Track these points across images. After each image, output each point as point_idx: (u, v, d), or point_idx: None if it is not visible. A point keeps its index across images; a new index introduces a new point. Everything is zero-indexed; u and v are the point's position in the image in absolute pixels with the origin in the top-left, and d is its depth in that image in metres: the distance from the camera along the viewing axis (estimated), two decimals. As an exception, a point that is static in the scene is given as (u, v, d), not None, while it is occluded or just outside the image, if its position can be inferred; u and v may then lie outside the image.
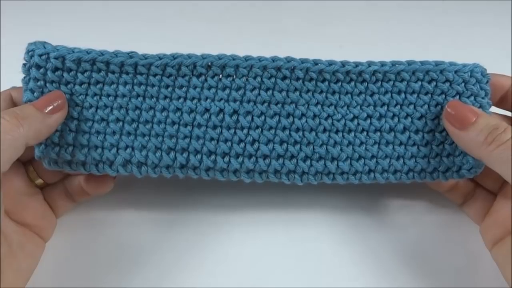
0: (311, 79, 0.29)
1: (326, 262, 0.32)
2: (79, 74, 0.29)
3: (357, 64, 0.29)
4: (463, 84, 0.29)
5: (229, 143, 0.29)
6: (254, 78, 0.29)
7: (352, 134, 0.30)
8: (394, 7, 0.52)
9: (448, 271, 0.32)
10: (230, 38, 0.47)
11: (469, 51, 0.45)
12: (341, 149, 0.29)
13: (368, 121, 0.30)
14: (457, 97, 0.29)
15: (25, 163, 0.31)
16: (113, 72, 0.29)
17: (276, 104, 0.29)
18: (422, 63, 0.29)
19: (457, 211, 0.34)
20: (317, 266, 0.32)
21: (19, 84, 0.30)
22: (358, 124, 0.30)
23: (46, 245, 0.31)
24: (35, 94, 0.29)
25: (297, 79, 0.29)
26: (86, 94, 0.29)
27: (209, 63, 0.29)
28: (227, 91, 0.29)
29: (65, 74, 0.29)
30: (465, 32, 0.49)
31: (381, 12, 0.52)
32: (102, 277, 0.31)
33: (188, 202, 0.35)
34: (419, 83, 0.30)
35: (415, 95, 0.30)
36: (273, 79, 0.29)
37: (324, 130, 0.29)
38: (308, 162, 0.29)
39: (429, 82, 0.30)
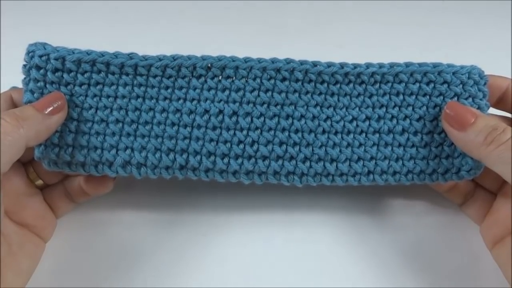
0: (310, 81, 0.29)
1: (326, 262, 0.32)
2: (79, 75, 0.29)
3: (355, 66, 0.29)
4: (461, 86, 0.29)
5: (228, 144, 0.29)
6: (254, 79, 0.29)
7: (351, 135, 0.30)
8: (394, 7, 0.52)
9: (448, 271, 0.32)
10: (230, 39, 0.47)
11: (469, 52, 0.45)
12: (340, 151, 0.29)
13: (367, 122, 0.30)
14: (455, 98, 0.29)
15: (25, 164, 0.31)
16: (113, 73, 0.29)
17: (276, 106, 0.29)
18: (420, 64, 0.30)
19: (457, 211, 0.34)
20: (317, 267, 0.32)
21: (19, 85, 0.30)
22: (357, 125, 0.30)
23: (46, 246, 0.31)
24: (35, 95, 0.29)
25: (296, 80, 0.29)
26: (86, 95, 0.29)
27: (209, 65, 0.29)
28: (226, 92, 0.29)
29: (65, 75, 0.29)
30: (465, 32, 0.49)
31: (381, 12, 0.52)
32: (102, 277, 0.31)
33: (188, 202, 0.35)
34: (417, 84, 0.30)
35: (414, 97, 0.30)
36: (272, 81, 0.29)
37: (323, 132, 0.30)
38: (307, 163, 0.29)
39: (427, 84, 0.30)
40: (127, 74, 0.29)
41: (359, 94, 0.30)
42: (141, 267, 0.32)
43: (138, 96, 0.29)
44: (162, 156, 0.29)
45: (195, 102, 0.29)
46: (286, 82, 0.29)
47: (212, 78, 0.29)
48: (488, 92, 0.30)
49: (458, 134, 0.28)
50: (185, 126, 0.29)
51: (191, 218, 0.34)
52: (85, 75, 0.29)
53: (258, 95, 0.29)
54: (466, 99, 0.29)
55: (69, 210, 0.33)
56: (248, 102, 0.29)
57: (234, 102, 0.29)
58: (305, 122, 0.29)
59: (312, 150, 0.29)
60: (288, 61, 0.29)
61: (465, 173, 0.30)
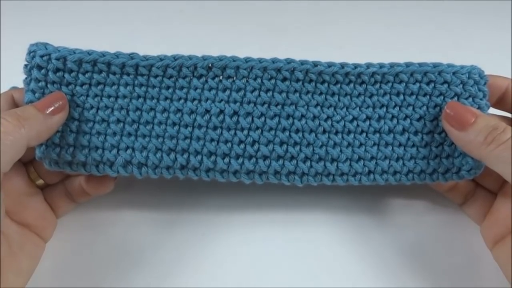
0: (310, 81, 0.29)
1: (326, 262, 0.32)
2: (80, 75, 0.29)
3: (356, 66, 0.29)
4: (461, 86, 0.29)
5: (229, 144, 0.29)
6: (254, 79, 0.29)
7: (352, 135, 0.30)
8: (394, 8, 0.52)
9: (449, 271, 0.32)
10: (230, 39, 0.47)
11: (469, 52, 0.45)
12: (340, 150, 0.30)
13: (367, 122, 0.30)
14: (456, 98, 0.30)
15: (26, 163, 0.31)
16: (114, 73, 0.29)
17: (276, 105, 0.29)
18: (420, 64, 0.30)
19: (458, 210, 0.34)
20: (318, 266, 0.32)
21: (20, 85, 0.30)
22: (358, 125, 0.30)
23: (46, 245, 0.31)
24: (36, 95, 0.29)
25: (297, 80, 0.29)
26: (87, 95, 0.29)
27: (210, 64, 0.29)
28: (227, 92, 0.29)
29: (66, 75, 0.29)
30: (465, 32, 0.50)
31: (381, 13, 0.52)
32: (102, 277, 0.31)
33: (189, 202, 0.35)
34: (418, 84, 0.30)
35: (414, 97, 0.30)
36: (273, 81, 0.29)
37: (324, 131, 0.30)
38: (308, 163, 0.30)
39: (428, 84, 0.30)
40: (128, 74, 0.29)
41: (359, 94, 0.30)
42: (141, 267, 0.32)
43: (139, 96, 0.29)
44: (163, 156, 0.29)
45: (196, 102, 0.29)
46: (287, 82, 0.29)
47: (213, 78, 0.29)
48: (488, 92, 0.30)
49: (459, 134, 0.28)
50: (186, 126, 0.29)
51: (191, 218, 0.34)
52: (86, 75, 0.29)
53: (259, 95, 0.29)
54: (466, 99, 0.29)
55: (69, 210, 0.33)
56: (249, 102, 0.29)
57: (235, 102, 0.29)
58: (306, 122, 0.29)
59: (313, 149, 0.29)
60: (289, 61, 0.29)
61: (465, 172, 0.30)
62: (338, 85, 0.30)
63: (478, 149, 0.27)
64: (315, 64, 0.29)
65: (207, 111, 0.29)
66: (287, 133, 0.29)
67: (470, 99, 0.29)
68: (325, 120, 0.30)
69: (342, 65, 0.29)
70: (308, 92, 0.29)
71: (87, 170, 0.30)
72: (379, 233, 0.34)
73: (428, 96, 0.30)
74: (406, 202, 0.35)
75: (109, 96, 0.29)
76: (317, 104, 0.30)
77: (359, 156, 0.30)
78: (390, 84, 0.30)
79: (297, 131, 0.29)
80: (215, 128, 0.29)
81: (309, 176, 0.30)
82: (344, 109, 0.30)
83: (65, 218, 0.33)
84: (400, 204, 0.35)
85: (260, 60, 0.29)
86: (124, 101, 0.29)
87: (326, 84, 0.29)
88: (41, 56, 0.28)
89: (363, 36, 0.49)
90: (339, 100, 0.30)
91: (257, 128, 0.29)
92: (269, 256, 0.32)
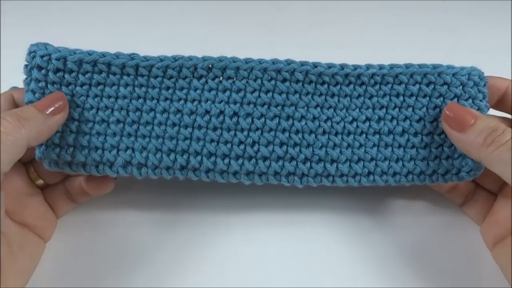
0: (310, 82, 0.29)
1: (326, 262, 0.32)
2: (80, 75, 0.29)
3: (355, 67, 0.29)
4: (461, 87, 0.29)
5: (229, 145, 0.29)
6: (255, 80, 0.29)
7: (351, 136, 0.30)
8: (394, 8, 0.52)
9: (449, 271, 0.32)
10: (230, 40, 0.47)
11: (469, 52, 0.45)
12: (340, 151, 0.30)
13: (367, 123, 0.30)
14: (455, 99, 0.30)
15: (26, 163, 0.31)
16: (114, 74, 0.29)
17: (276, 106, 0.29)
18: (420, 66, 0.30)
19: (458, 211, 0.34)
20: (317, 267, 0.32)
21: (20, 85, 0.30)
22: (357, 126, 0.30)
23: (46, 246, 0.31)
24: (37, 95, 0.29)
25: (297, 81, 0.29)
26: (87, 95, 0.29)
27: (210, 65, 0.29)
28: (227, 93, 0.29)
29: (66, 75, 0.29)
30: (465, 32, 0.49)
31: (381, 13, 0.52)
32: (102, 278, 0.31)
33: (189, 203, 0.35)
34: (417, 86, 0.30)
35: (414, 98, 0.30)
36: (273, 82, 0.29)
37: (324, 132, 0.30)
38: (308, 164, 0.30)
39: (427, 85, 0.30)
40: (128, 75, 0.29)
41: (359, 95, 0.30)
42: (141, 267, 0.32)
43: (139, 97, 0.29)
44: (162, 157, 0.29)
45: (196, 102, 0.29)
46: (287, 83, 0.29)
47: (213, 79, 0.29)
48: (488, 93, 0.30)
49: (458, 135, 0.28)
50: (186, 127, 0.29)
51: (191, 218, 0.34)
52: (87, 76, 0.29)
53: (259, 96, 0.29)
54: (466, 100, 0.29)
55: (69, 210, 0.33)
56: (249, 103, 0.29)
57: (235, 102, 0.29)
58: (306, 123, 0.29)
59: (313, 150, 0.29)
60: (289, 62, 0.29)
61: (465, 174, 0.30)
62: (338, 86, 0.30)
63: (477, 151, 0.27)
64: (315, 65, 0.29)
65: (207, 112, 0.29)
66: (287, 134, 0.29)
67: (470, 101, 0.29)
68: (325, 121, 0.30)
69: (342, 66, 0.29)
70: (308, 93, 0.29)
71: (87, 171, 0.30)
72: (379, 233, 0.34)
73: (427, 97, 0.30)
74: (406, 203, 0.35)
75: (109, 97, 0.29)
76: (317, 105, 0.30)
77: (358, 157, 0.30)
78: (390, 85, 0.30)
79: (297, 132, 0.29)
80: (215, 128, 0.29)
81: (309, 177, 0.30)
82: (344, 110, 0.30)
83: (65, 218, 0.33)
84: (400, 205, 0.35)
85: (260, 61, 0.29)
86: (124, 102, 0.29)
87: (326, 85, 0.29)
88: (41, 57, 0.28)
89: (363, 36, 0.49)
90: (339, 101, 0.30)
91: (257, 129, 0.29)
92: (269, 257, 0.33)
